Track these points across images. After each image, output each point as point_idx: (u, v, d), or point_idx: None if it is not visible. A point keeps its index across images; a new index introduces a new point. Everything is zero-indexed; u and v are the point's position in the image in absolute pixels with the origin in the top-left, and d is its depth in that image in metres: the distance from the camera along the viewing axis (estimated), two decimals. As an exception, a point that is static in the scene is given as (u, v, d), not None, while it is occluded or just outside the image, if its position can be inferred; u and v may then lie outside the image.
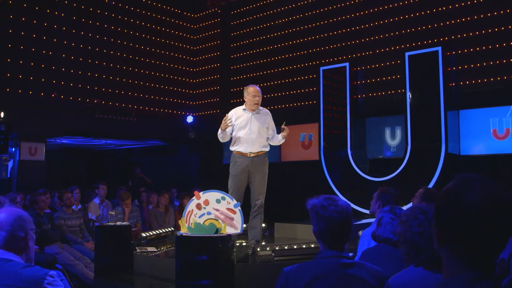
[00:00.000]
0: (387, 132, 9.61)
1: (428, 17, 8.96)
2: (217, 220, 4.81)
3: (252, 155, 5.63)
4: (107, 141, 13.06)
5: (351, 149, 9.39)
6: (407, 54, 8.70)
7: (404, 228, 2.37)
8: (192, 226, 4.59)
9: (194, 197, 5.01)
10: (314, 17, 10.70)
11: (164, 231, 6.90)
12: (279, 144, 5.92)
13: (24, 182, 9.23)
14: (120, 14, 11.35)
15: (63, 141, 12.41)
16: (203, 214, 4.94)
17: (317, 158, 9.99)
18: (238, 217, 4.89)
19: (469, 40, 8.48)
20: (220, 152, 12.06)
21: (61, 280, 2.31)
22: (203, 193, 5.00)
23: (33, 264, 2.30)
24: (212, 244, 4.38)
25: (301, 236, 7.15)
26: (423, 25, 9.04)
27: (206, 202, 4.95)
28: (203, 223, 4.74)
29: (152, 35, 11.99)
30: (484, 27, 8.33)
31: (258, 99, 5.63)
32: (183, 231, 4.74)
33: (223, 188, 5.32)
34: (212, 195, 4.97)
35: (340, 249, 2.28)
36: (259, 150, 5.67)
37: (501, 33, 8.16)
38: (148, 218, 8.59)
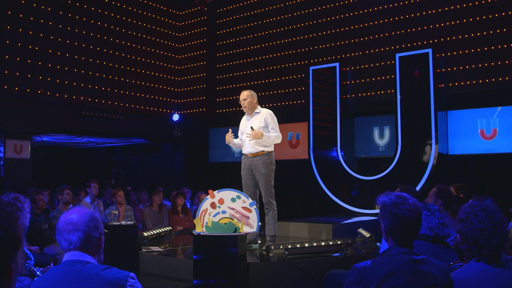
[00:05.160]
0: (376, 132, 9.74)
1: (419, 20, 9.14)
2: (232, 219, 4.82)
3: (251, 155, 5.82)
4: (89, 139, 12.81)
5: (341, 149, 9.48)
6: (397, 55, 8.85)
7: (465, 225, 2.45)
8: (210, 225, 4.58)
9: (208, 196, 5.00)
10: (304, 17, 10.72)
11: (163, 230, 6.83)
12: (270, 142, 5.91)
13: (10, 181, 8.96)
14: (107, 10, 11.16)
15: (43, 139, 12.11)
16: (218, 213, 4.94)
17: (304, 157, 10.03)
18: (253, 216, 4.91)
19: (458, 43, 8.70)
20: (206, 151, 11.99)
21: None
22: (217, 192, 4.99)
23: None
24: (232, 243, 4.38)
25: (294, 234, 7.18)
26: (413, 27, 9.21)
27: (221, 201, 4.95)
28: (219, 221, 4.74)
29: (138, 32, 11.83)
30: (473, 30, 8.57)
31: (243, 102, 6.01)
32: (199, 230, 4.73)
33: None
34: (227, 194, 4.97)
35: (409, 246, 2.33)
36: (258, 150, 5.80)
37: (490, 36, 8.42)
38: (141, 217, 8.48)
